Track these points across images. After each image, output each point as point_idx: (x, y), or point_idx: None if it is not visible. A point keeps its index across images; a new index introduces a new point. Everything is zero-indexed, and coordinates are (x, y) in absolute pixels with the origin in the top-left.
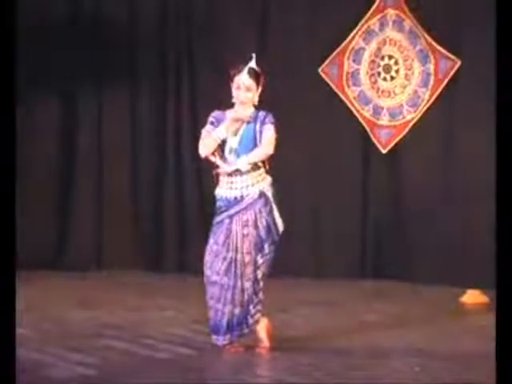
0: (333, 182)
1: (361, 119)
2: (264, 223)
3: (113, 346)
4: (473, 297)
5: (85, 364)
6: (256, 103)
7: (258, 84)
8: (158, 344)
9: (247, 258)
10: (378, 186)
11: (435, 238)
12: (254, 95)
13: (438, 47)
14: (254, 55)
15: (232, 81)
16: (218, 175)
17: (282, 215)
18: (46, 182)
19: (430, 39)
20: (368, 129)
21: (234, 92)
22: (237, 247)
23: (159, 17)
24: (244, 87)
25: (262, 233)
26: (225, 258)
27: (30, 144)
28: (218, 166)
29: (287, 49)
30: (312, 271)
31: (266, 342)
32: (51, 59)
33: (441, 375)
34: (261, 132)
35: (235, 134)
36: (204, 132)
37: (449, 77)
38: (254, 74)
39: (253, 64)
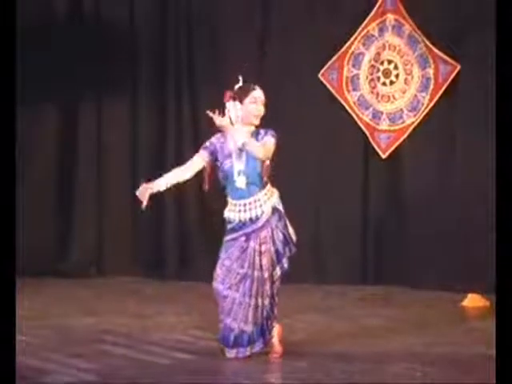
0: (333, 187)
1: (360, 124)
2: (281, 237)
3: (114, 352)
4: (473, 300)
5: (85, 370)
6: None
7: None
8: (159, 350)
9: (266, 275)
10: (378, 192)
11: (435, 243)
12: None
13: (438, 52)
14: (240, 77)
15: (245, 96)
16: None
17: None
18: (47, 185)
19: (429, 44)
20: (368, 133)
21: (249, 106)
22: (254, 264)
23: (158, 27)
24: (260, 101)
25: (280, 247)
26: (238, 273)
27: (30, 145)
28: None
29: (287, 54)
30: (313, 277)
31: (277, 347)
32: (51, 69)
33: (441, 379)
34: None
35: (240, 158)
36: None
37: (448, 81)
38: None
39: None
